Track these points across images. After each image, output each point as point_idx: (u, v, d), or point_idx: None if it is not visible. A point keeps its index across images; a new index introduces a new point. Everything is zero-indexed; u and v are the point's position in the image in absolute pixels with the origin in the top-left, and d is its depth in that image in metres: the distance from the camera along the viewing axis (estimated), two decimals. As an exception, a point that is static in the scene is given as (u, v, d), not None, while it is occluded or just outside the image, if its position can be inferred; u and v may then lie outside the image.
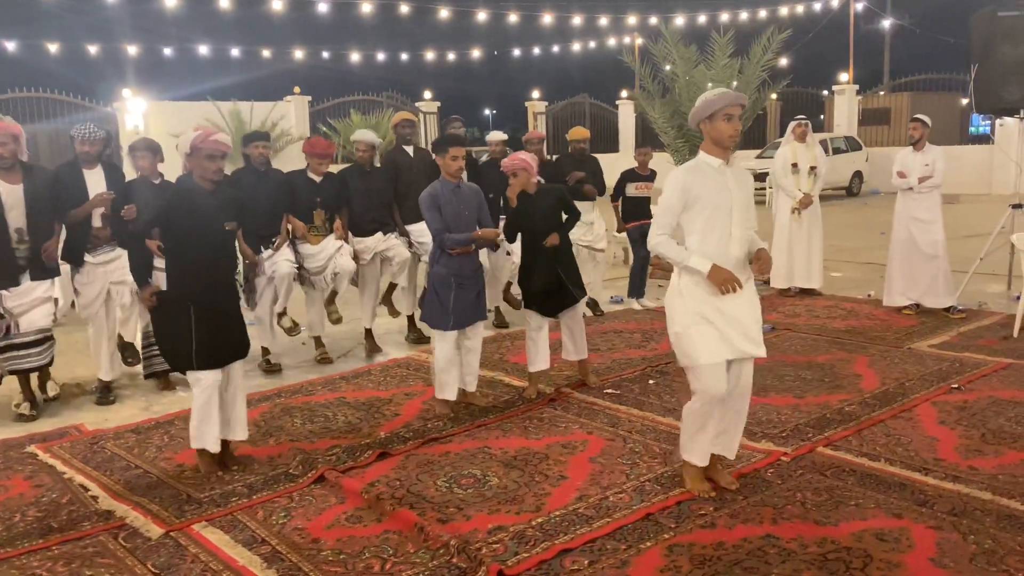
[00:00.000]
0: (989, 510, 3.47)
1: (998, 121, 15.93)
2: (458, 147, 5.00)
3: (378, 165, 6.73)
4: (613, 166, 8.04)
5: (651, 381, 5.55)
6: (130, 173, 5.62)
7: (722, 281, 3.52)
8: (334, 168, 6.59)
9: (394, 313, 6.99)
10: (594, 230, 7.77)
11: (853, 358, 5.92)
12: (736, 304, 3.62)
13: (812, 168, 8.09)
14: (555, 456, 4.26)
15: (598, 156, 8.17)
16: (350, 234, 6.36)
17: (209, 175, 4.04)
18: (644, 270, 8.20)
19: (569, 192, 7.40)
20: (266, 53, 24.51)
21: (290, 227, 6.05)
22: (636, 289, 8.09)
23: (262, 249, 5.93)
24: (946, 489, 3.70)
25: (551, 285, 5.25)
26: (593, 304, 7.81)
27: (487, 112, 64.31)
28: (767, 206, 18.36)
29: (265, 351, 6.19)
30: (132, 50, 22.47)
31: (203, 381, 4.07)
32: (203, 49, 23.30)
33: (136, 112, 20.63)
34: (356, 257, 6.32)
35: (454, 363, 5.02)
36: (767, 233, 8.60)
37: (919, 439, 4.33)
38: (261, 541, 3.46)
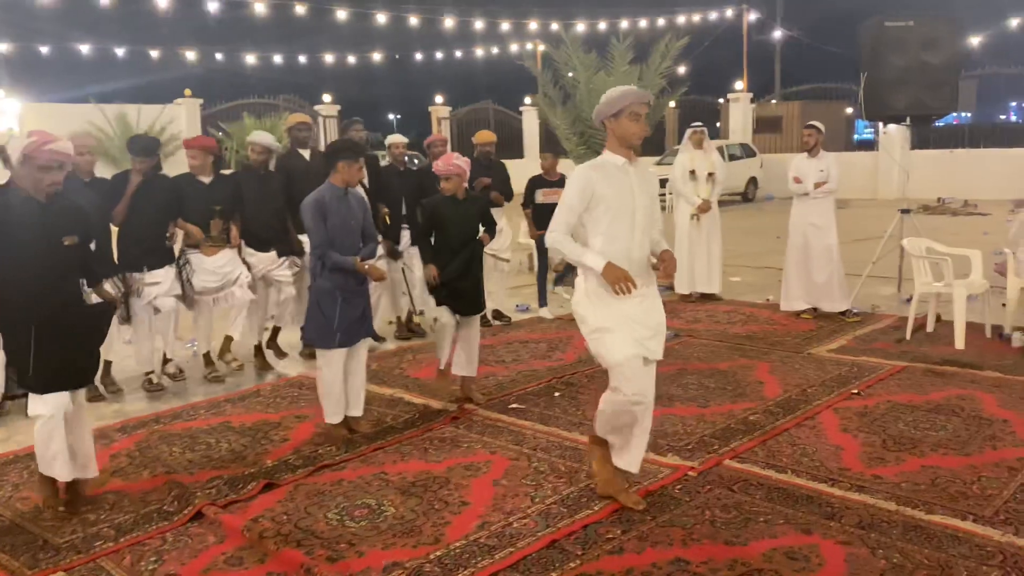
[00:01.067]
0: (895, 521, 3.43)
1: (882, 128, 16.66)
2: (362, 156, 4.80)
3: (270, 170, 6.35)
4: (518, 172, 7.90)
5: (556, 394, 5.38)
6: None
7: (616, 279, 3.38)
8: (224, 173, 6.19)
9: (281, 355, 6.51)
10: (501, 238, 7.59)
11: (755, 364, 5.92)
12: (641, 308, 3.53)
13: (710, 175, 8.16)
14: (456, 480, 4.02)
15: (504, 161, 8.00)
16: (243, 244, 5.96)
17: (43, 187, 3.59)
18: (545, 274, 8.08)
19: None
20: (154, 54, 23.37)
21: (177, 233, 5.62)
22: (544, 297, 7.95)
23: (144, 268, 5.48)
24: (852, 501, 3.65)
25: (468, 286, 5.12)
26: (498, 314, 7.62)
27: (391, 116, 63.59)
28: (667, 212, 18.71)
29: (147, 374, 5.73)
30: (3, 47, 21.02)
31: (47, 405, 3.65)
32: (85, 48, 22.01)
33: (10, 113, 19.35)
34: (248, 269, 5.92)
35: (342, 383, 4.68)
36: (668, 239, 8.63)
37: (823, 448, 4.29)
38: (126, 593, 3.09)
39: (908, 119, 7.72)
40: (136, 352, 5.71)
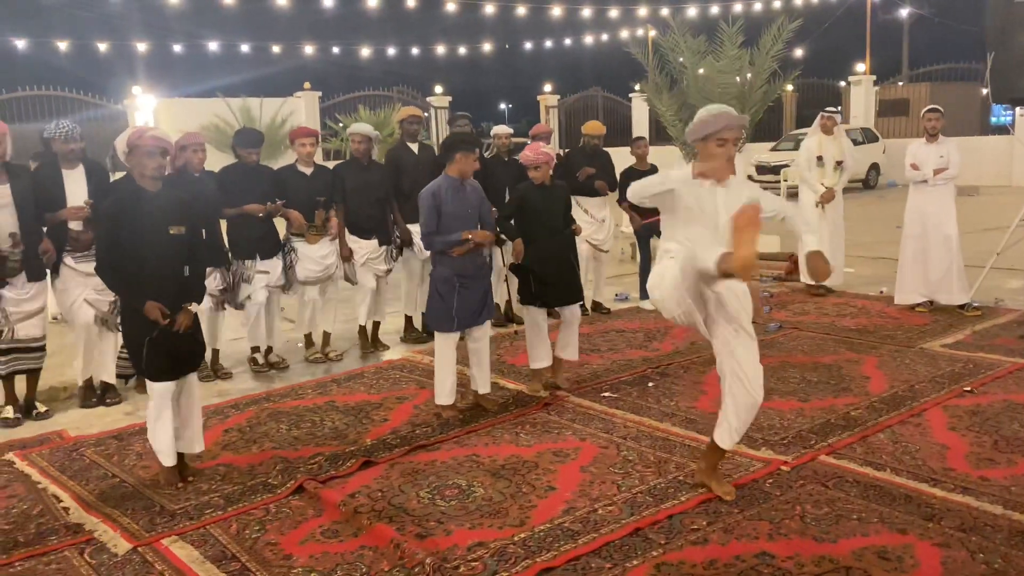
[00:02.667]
0: (1000, 526, 3.27)
1: (1018, 111, 15.56)
2: (476, 148, 4.94)
3: (376, 160, 6.56)
4: (627, 160, 7.83)
5: (650, 384, 5.36)
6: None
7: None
8: (330, 164, 6.45)
9: (382, 347, 6.58)
10: (604, 228, 7.60)
11: (862, 359, 5.70)
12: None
13: (838, 162, 7.80)
14: (545, 465, 4.08)
15: (611, 150, 7.99)
16: (346, 231, 6.20)
17: (149, 172, 3.88)
18: (648, 269, 7.99)
19: (580, 188, 7.25)
20: (276, 49, 24.42)
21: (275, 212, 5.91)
22: (644, 289, 7.86)
23: (256, 256, 5.79)
24: (955, 502, 3.49)
25: (560, 275, 5.14)
26: (597, 304, 7.63)
27: (501, 106, 64.11)
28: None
29: (254, 350, 6.06)
30: (142, 47, 22.46)
31: (155, 391, 3.94)
32: (212, 45, 23.25)
33: (146, 109, 20.63)
34: (350, 256, 6.17)
35: (454, 367, 4.88)
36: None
37: (927, 447, 4.11)
38: (231, 557, 3.31)
39: (1040, 101, 7.21)
40: (249, 334, 6.03)
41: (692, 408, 4.85)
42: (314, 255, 5.99)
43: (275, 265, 5.89)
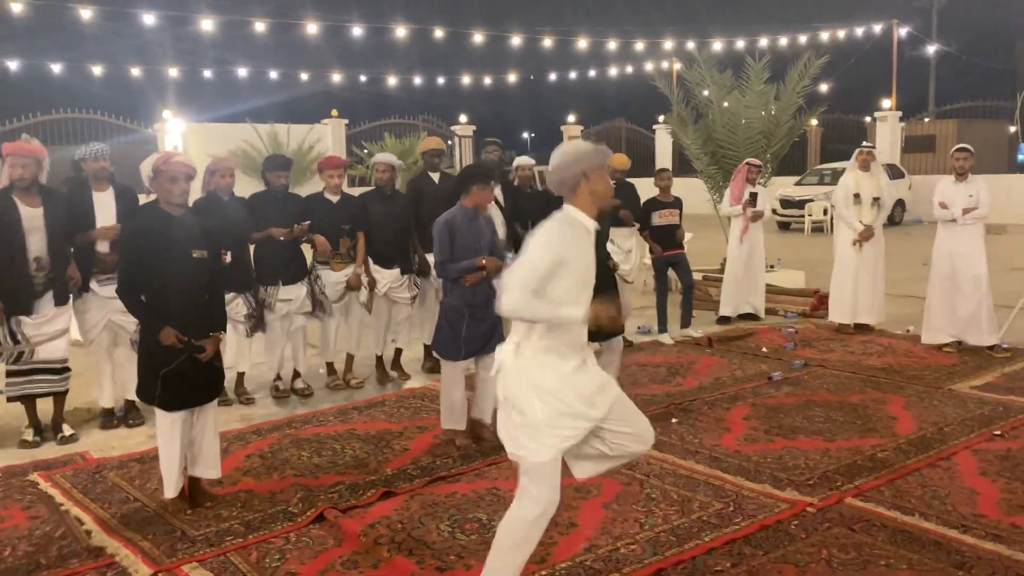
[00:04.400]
0: (1033, 576, 3.19)
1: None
2: (492, 179, 4.96)
3: (399, 189, 6.62)
4: (650, 191, 7.87)
5: (674, 420, 5.31)
6: None
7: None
8: (355, 191, 6.51)
9: (404, 376, 6.58)
10: (630, 259, 7.60)
11: (888, 399, 5.62)
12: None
13: (875, 199, 7.73)
14: (567, 500, 4.02)
15: (634, 180, 8.00)
16: (370, 260, 6.23)
17: (174, 199, 3.92)
18: (666, 301, 7.95)
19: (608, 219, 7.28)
20: (304, 76, 24.80)
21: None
22: (663, 323, 7.83)
23: (279, 282, 5.84)
24: (986, 550, 3.41)
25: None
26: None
27: (524, 135, 64.53)
28: (806, 234, 18.06)
29: (277, 377, 6.09)
30: (173, 72, 22.90)
31: (165, 419, 3.95)
32: (242, 71, 23.64)
33: (175, 133, 21.01)
34: (373, 286, 6.20)
35: (463, 393, 4.90)
36: (828, 264, 8.28)
37: (957, 491, 4.04)
38: (251, 586, 3.30)
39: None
40: (268, 359, 6.06)
41: (716, 446, 4.79)
42: (333, 280, 6.04)
43: (298, 291, 5.92)
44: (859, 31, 23.66)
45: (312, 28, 19.07)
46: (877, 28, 23.75)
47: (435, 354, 5.23)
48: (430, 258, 6.42)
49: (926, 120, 24.23)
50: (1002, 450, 4.58)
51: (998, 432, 4.85)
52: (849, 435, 4.91)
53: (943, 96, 28.24)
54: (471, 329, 4.82)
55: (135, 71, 22.54)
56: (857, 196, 7.67)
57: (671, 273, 8.08)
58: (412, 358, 6.91)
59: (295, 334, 6.02)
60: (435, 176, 6.61)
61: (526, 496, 2.90)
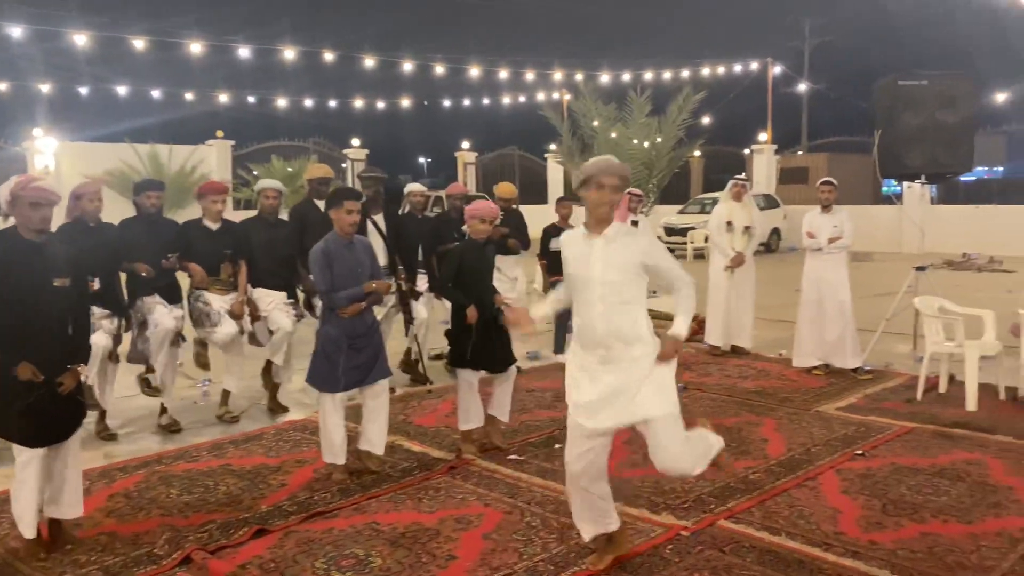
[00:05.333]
0: (887, 590, 3.36)
1: (906, 184, 16.58)
2: (354, 201, 4.80)
3: (282, 217, 6.47)
4: (544, 219, 8.00)
5: (557, 445, 5.34)
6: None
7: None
8: (240, 215, 6.32)
9: (281, 410, 6.39)
10: (516, 287, 7.65)
11: (761, 421, 5.85)
12: (601, 377, 3.46)
13: (747, 228, 8.10)
14: (447, 532, 4.00)
15: (527, 208, 8.11)
16: (250, 288, 6.04)
17: (33, 225, 3.71)
18: (566, 320, 8.10)
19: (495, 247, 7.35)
20: (188, 95, 24.00)
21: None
22: (561, 344, 7.97)
23: (154, 294, 5.59)
24: (845, 567, 3.58)
25: (502, 338, 5.21)
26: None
27: (420, 160, 64.50)
28: (688, 260, 18.71)
29: (162, 408, 5.81)
30: (44, 88, 21.71)
31: (22, 456, 3.71)
32: (121, 89, 22.66)
33: (47, 152, 19.92)
34: (256, 315, 6.01)
35: (341, 427, 4.76)
36: (702, 290, 8.59)
37: (821, 510, 4.22)
38: (106, 637, 3.10)
39: (922, 177, 7.69)
40: (162, 385, 5.78)
41: (597, 471, 4.84)
42: (217, 308, 5.81)
43: (176, 311, 5.69)
44: (738, 68, 24.87)
45: (196, 47, 18.49)
46: (754, 65, 25.05)
47: (312, 385, 5.10)
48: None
49: (799, 153, 25.67)
50: (862, 469, 4.82)
51: (860, 452, 5.12)
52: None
53: (815, 131, 30.02)
54: (350, 360, 4.70)
55: (2, 86, 21.24)
56: (730, 224, 8.04)
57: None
58: (300, 387, 6.73)
59: (169, 354, 5.72)
60: (321, 204, 6.49)
61: None
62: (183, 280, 5.83)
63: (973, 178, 29.59)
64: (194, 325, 5.89)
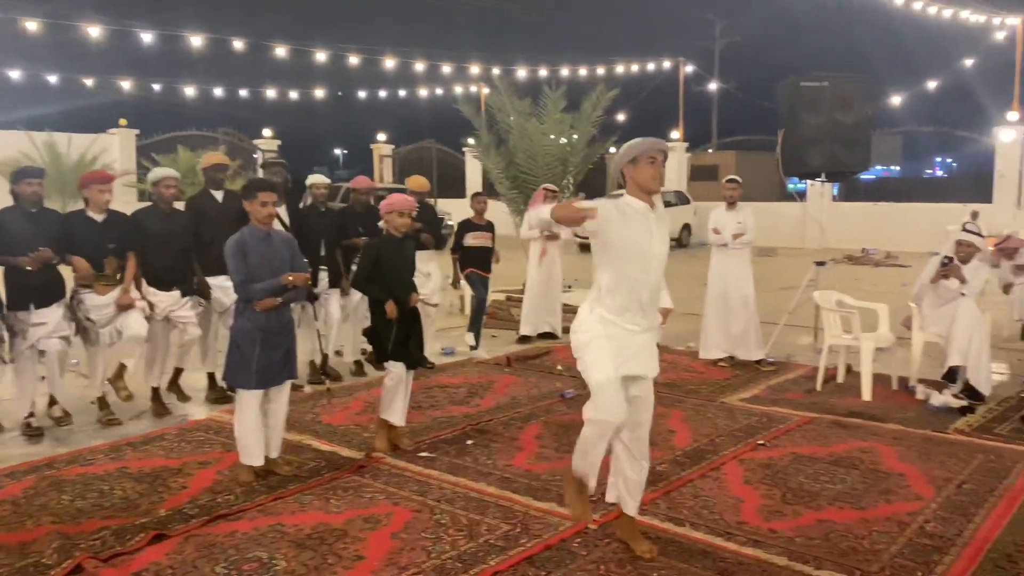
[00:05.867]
0: (784, 577, 3.47)
1: (809, 181, 17.21)
2: (268, 192, 4.66)
3: (179, 207, 6.22)
4: (462, 212, 7.98)
5: (469, 441, 5.34)
6: None
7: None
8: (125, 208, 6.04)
9: (183, 398, 6.29)
10: (430, 283, 7.58)
11: (669, 412, 5.97)
12: (636, 340, 3.61)
13: None
14: (354, 532, 3.93)
15: (445, 201, 8.07)
16: (144, 283, 5.80)
17: None
18: (482, 312, 8.14)
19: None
20: (88, 81, 22.92)
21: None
22: (473, 326, 8.01)
23: (31, 306, 5.29)
24: (746, 556, 3.68)
25: (419, 334, 5.21)
26: (422, 359, 7.57)
27: (336, 151, 63.41)
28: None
29: (30, 413, 5.52)
30: (-72, 72, 20.40)
31: None
32: (14, 74, 21.47)
33: (-68, 139, 18.72)
34: (150, 308, 5.77)
35: (259, 425, 4.63)
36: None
37: (724, 500, 4.33)
38: (-15, 655, 2.93)
39: (822, 175, 7.99)
40: (18, 394, 5.49)
41: (508, 466, 4.86)
42: (101, 303, 5.54)
43: (54, 314, 5.39)
44: (651, 66, 25.32)
45: (96, 31, 17.65)
46: (666, 64, 25.54)
47: (227, 382, 4.95)
48: (212, 281, 6.13)
49: (709, 151, 26.32)
50: (764, 459, 4.98)
51: (761, 442, 5.28)
52: (632, 450, 5.14)
53: (725, 129, 30.88)
54: (264, 356, 4.57)
55: None
56: None
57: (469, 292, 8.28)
58: (199, 386, 6.51)
59: (51, 360, 5.47)
60: (218, 194, 6.28)
61: None
62: (67, 274, 5.56)
63: (872, 177, 30.97)
64: (76, 333, 5.61)
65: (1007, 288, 8.98)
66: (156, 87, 24.47)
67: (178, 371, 6.22)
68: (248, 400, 4.61)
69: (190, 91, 24.43)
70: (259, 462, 4.63)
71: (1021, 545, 3.78)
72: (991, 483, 4.55)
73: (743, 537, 3.87)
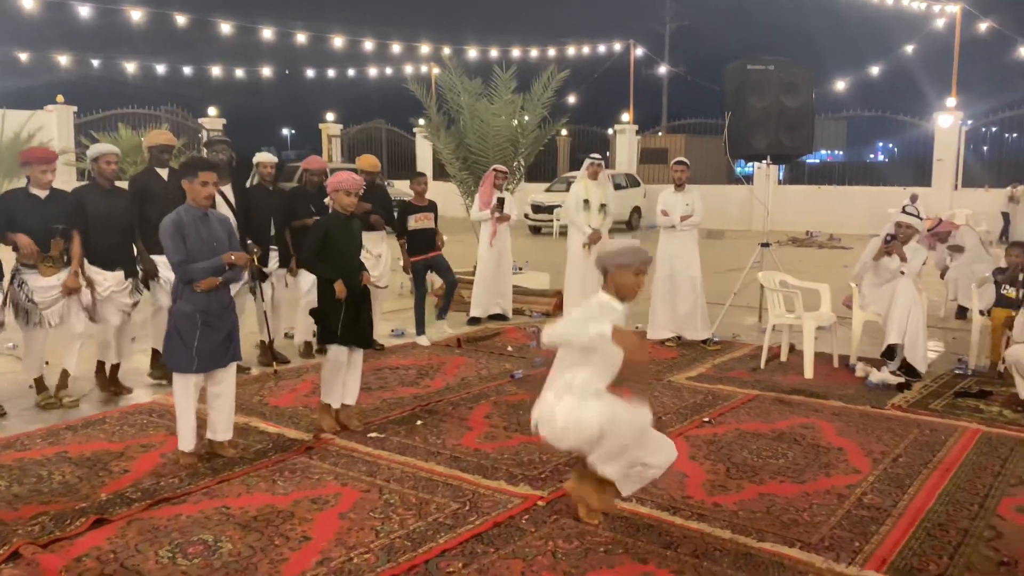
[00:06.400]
0: (728, 550, 3.55)
1: (756, 164, 17.48)
2: (209, 172, 4.56)
3: (121, 186, 6.06)
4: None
5: (419, 422, 5.33)
6: None
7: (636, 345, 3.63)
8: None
9: (125, 391, 6.07)
10: (380, 264, 7.50)
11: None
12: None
13: (602, 205, 8.26)
14: (301, 514, 3.91)
15: (397, 183, 7.98)
16: (86, 263, 5.65)
17: None
18: (451, 295, 8.09)
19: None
20: (24, 56, 22.11)
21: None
22: (421, 325, 7.88)
23: None
24: (691, 529, 3.75)
25: (367, 316, 5.16)
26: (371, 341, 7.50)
27: (284, 131, 62.35)
28: (554, 238, 19.03)
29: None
30: None
31: None
32: (-56, 48, 20.62)
33: None
34: (91, 286, 5.62)
35: (194, 409, 4.56)
36: (560, 265, 8.78)
37: (670, 476, 4.36)
38: (-83, 644, 2.85)
39: (768, 158, 8.12)
40: None
41: (457, 446, 4.87)
42: (45, 284, 5.38)
43: None
44: (602, 48, 25.37)
45: (29, 2, 17.02)
46: (617, 47, 25.63)
47: (167, 366, 4.85)
48: (158, 260, 5.98)
49: (659, 134, 26.52)
50: (709, 436, 5.07)
51: (707, 419, 5.38)
52: (581, 429, 5.19)
53: (675, 112, 31.13)
54: (205, 339, 4.49)
55: None
56: (586, 202, 8.21)
57: (433, 275, 8.19)
58: (143, 369, 6.38)
59: None
60: (163, 172, 6.13)
61: None
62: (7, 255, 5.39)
63: (817, 161, 31.55)
64: (15, 315, 5.44)
65: (943, 272, 9.28)
66: (95, 63, 23.74)
67: (116, 366, 6.05)
68: (187, 383, 4.53)
69: (131, 67, 23.78)
70: (190, 447, 4.55)
71: (952, 514, 3.93)
72: (925, 456, 4.71)
73: (688, 511, 3.94)
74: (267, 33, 21.55)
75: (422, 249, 7.86)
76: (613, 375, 3.68)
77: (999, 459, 4.68)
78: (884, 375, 6.23)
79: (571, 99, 23.20)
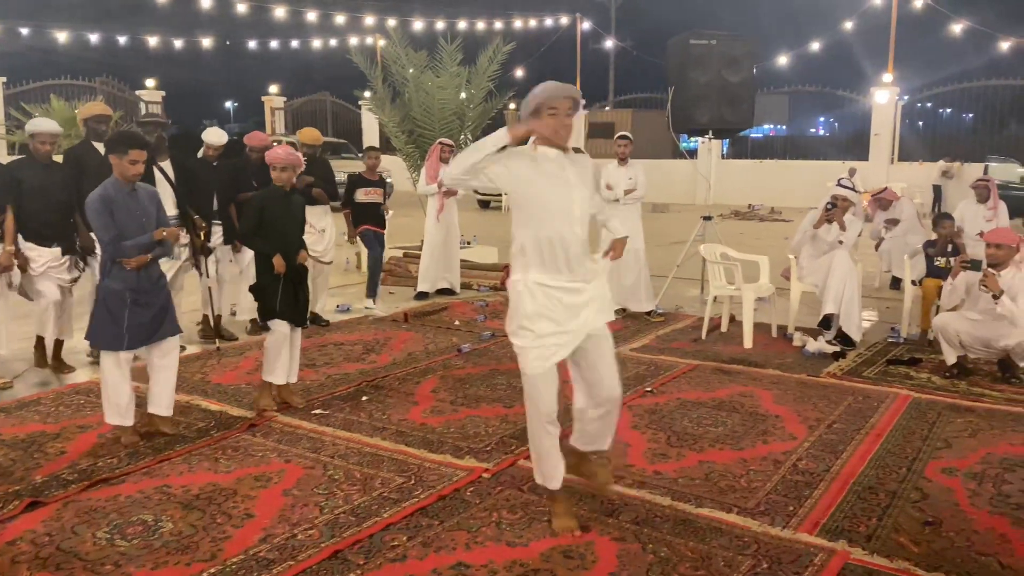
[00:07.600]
0: (668, 516, 3.63)
1: (700, 139, 17.68)
2: (140, 151, 4.44)
3: (57, 160, 5.88)
4: (358, 168, 7.82)
5: (364, 397, 5.32)
6: None
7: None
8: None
9: (67, 369, 5.91)
10: (324, 239, 7.42)
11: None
12: (575, 301, 3.42)
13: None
14: (244, 491, 3.88)
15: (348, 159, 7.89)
16: (20, 238, 5.47)
17: None
18: (378, 271, 8.07)
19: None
20: (-54, 24, 21.15)
21: None
22: (372, 288, 7.94)
23: None
24: (632, 497, 3.83)
25: (301, 295, 5.10)
26: (316, 317, 7.43)
27: (227, 104, 60.90)
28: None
29: None
30: None
31: None
32: None
33: None
34: (25, 266, 5.47)
35: (127, 385, 4.49)
36: (509, 240, 8.81)
37: (614, 444, 4.47)
38: None
39: (710, 132, 8.22)
40: None
41: (403, 420, 4.88)
42: None
43: None
44: (548, 22, 25.28)
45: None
46: (564, 20, 25.56)
47: (91, 343, 4.75)
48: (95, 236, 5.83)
49: (606, 109, 26.60)
50: (651, 405, 5.17)
51: (649, 389, 5.47)
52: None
53: (621, 87, 31.25)
54: (135, 316, 4.41)
55: None
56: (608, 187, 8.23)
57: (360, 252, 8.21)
58: (82, 348, 6.22)
59: None
60: (100, 146, 5.95)
61: None
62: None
63: (760, 136, 32.05)
64: None
65: (878, 244, 9.54)
66: (25, 31, 22.81)
67: (59, 343, 5.90)
68: (116, 361, 4.45)
69: (63, 36, 22.91)
70: (129, 422, 4.48)
71: (882, 478, 4.08)
72: (858, 422, 4.87)
73: (630, 479, 4.02)
74: (207, 1, 20.93)
75: (370, 223, 7.85)
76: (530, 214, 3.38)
77: (927, 424, 4.86)
78: (820, 344, 6.41)
79: (518, 73, 23.16)
